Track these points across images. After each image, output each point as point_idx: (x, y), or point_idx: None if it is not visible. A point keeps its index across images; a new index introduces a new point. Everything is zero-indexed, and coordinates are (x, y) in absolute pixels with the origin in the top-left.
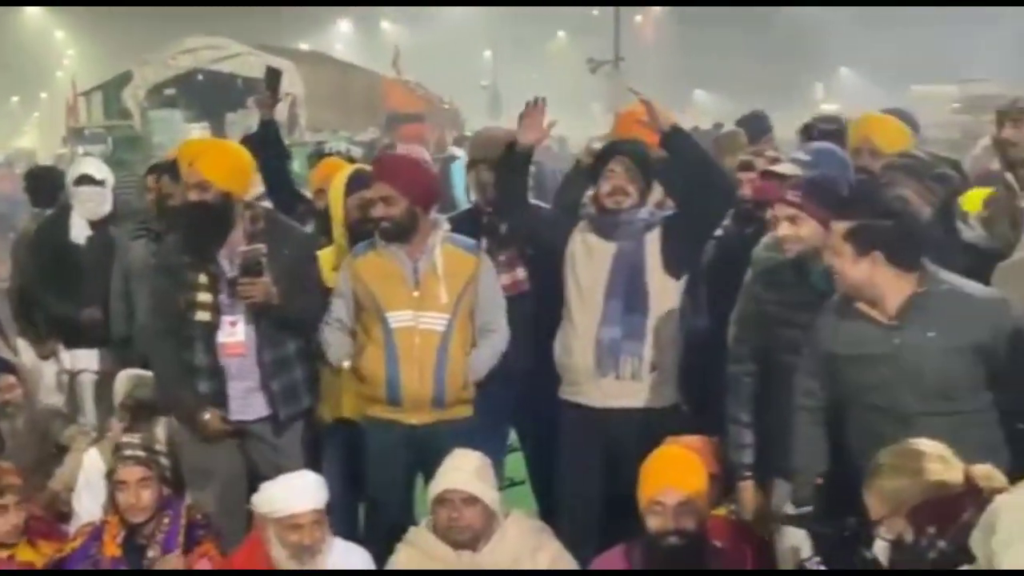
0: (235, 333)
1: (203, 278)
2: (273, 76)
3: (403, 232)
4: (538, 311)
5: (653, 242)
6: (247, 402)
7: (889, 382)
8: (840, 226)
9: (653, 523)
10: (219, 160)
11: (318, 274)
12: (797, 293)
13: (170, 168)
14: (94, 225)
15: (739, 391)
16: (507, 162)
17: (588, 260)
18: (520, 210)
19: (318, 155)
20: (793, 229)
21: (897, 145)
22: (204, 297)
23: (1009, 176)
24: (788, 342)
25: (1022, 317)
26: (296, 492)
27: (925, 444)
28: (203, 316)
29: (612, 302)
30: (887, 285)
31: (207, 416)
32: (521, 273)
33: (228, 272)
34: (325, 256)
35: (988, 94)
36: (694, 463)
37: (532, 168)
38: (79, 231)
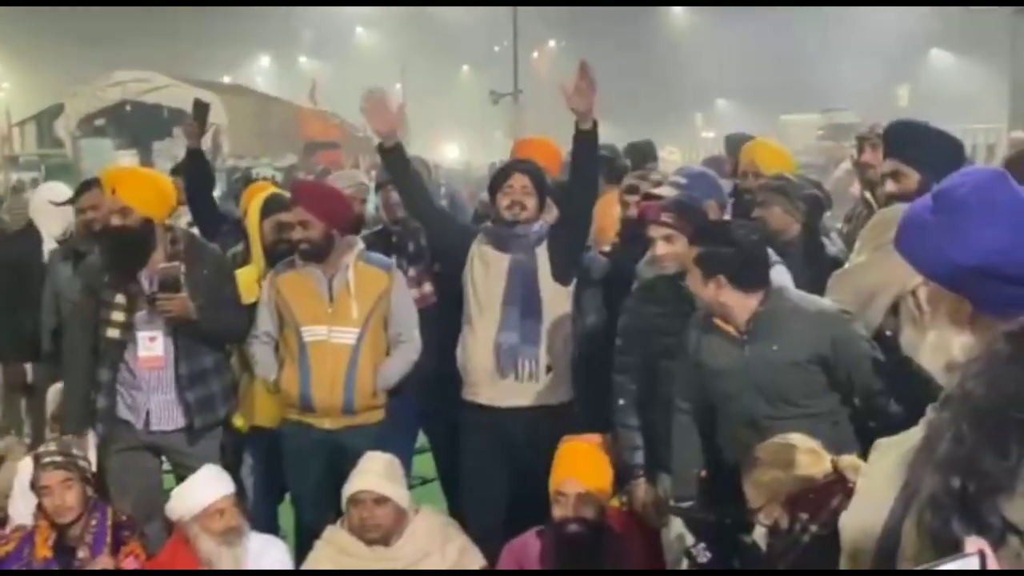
0: (154, 348)
1: (120, 298)
2: (201, 108)
3: (320, 252)
4: (444, 322)
5: (544, 253)
6: (165, 414)
7: (741, 390)
8: (691, 251)
9: (557, 511)
10: (139, 187)
11: (235, 291)
12: (673, 305)
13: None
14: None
15: (625, 398)
16: (384, 161)
17: (485, 271)
18: (424, 210)
19: (245, 180)
20: (669, 247)
21: (777, 167)
22: (118, 316)
23: (868, 195)
24: (667, 349)
25: (859, 323)
26: (208, 483)
27: (796, 439)
28: (113, 334)
29: (509, 309)
30: (734, 304)
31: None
32: (428, 287)
33: (147, 289)
34: (246, 274)
35: (848, 122)
36: (596, 459)
37: (444, 191)
38: (47, 249)
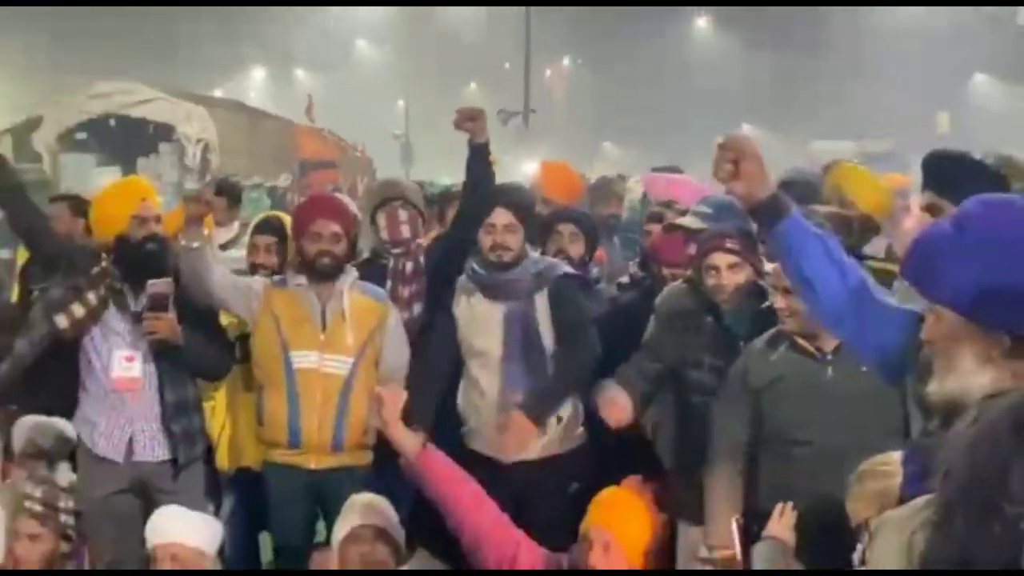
0: (131, 368)
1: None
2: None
3: (336, 272)
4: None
5: (543, 302)
6: (149, 443)
7: (815, 417)
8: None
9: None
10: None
11: (218, 320)
12: (711, 336)
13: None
14: None
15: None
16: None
17: (475, 323)
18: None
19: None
20: (733, 277)
21: (872, 204)
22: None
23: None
24: (701, 384)
25: None
26: (177, 523)
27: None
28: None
29: (511, 367)
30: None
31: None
32: (417, 310)
33: (132, 306)
34: None
35: (884, 150)
36: (631, 508)
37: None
38: None
